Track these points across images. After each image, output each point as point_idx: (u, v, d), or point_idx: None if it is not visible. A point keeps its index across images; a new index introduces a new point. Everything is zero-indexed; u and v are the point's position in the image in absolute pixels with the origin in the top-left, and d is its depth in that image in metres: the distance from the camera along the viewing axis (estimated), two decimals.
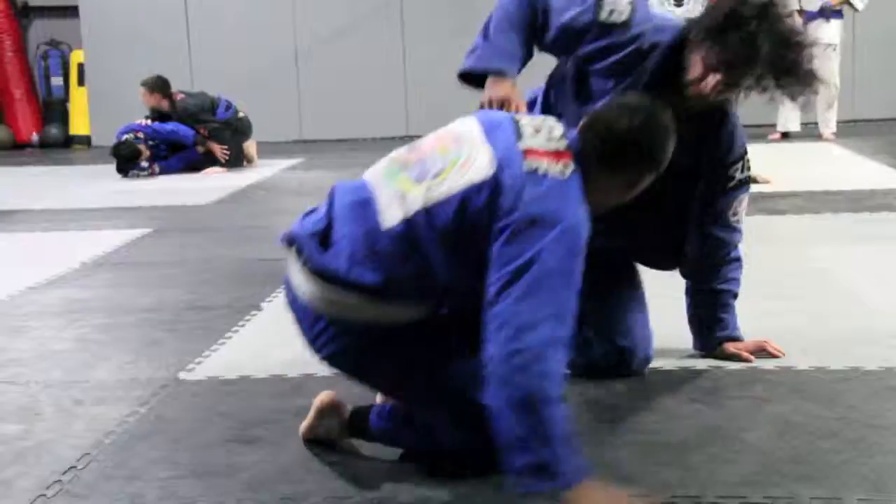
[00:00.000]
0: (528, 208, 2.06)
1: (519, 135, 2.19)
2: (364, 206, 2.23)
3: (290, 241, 2.28)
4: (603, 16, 2.73)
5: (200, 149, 8.27)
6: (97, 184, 7.86)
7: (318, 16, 10.30)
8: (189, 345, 3.43)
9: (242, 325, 3.65)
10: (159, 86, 8.31)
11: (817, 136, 8.79)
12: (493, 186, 2.11)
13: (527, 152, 2.15)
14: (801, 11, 8.60)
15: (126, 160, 8.09)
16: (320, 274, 2.19)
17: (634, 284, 2.97)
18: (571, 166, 2.15)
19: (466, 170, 2.16)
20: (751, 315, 3.37)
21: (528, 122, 2.25)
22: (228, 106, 8.44)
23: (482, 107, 2.79)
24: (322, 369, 3.03)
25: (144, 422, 2.72)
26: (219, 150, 8.30)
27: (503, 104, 2.76)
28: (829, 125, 8.83)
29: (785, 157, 7.83)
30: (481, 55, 2.87)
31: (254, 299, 3.99)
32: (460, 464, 2.28)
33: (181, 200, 6.78)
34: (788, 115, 8.89)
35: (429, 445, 2.33)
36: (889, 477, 2.18)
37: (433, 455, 2.33)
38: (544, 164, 2.13)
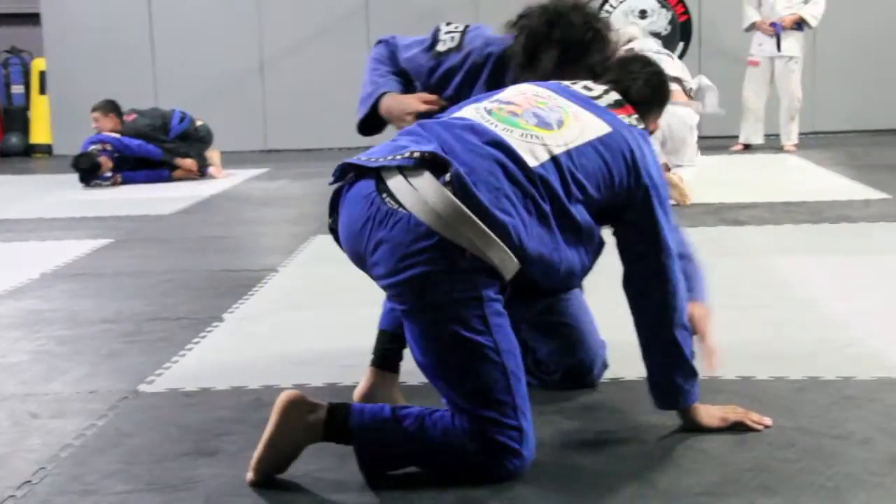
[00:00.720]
0: (647, 177, 2.37)
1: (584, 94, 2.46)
2: (492, 144, 2.25)
3: (426, 157, 2.20)
4: (440, 48, 2.89)
5: (169, 169, 8.21)
6: (58, 193, 7.80)
7: (284, 25, 10.28)
8: (149, 356, 3.40)
9: (204, 337, 3.62)
10: (113, 107, 8.26)
11: (779, 148, 8.88)
12: (618, 141, 2.35)
13: (609, 108, 2.43)
14: (772, 25, 8.70)
15: (86, 173, 8.02)
16: (463, 196, 2.14)
17: (574, 293, 2.87)
18: (636, 115, 2.46)
19: (582, 123, 2.35)
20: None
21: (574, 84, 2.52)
22: (182, 117, 8.37)
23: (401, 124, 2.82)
24: (285, 380, 3.03)
25: (102, 435, 2.69)
26: (190, 163, 8.25)
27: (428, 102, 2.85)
28: (790, 137, 8.93)
29: (747, 168, 7.91)
30: (369, 95, 2.96)
31: (216, 311, 3.96)
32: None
33: (143, 210, 6.74)
34: (751, 128, 8.98)
35: (424, 454, 2.24)
36: (846, 486, 2.20)
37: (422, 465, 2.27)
38: (627, 118, 2.43)
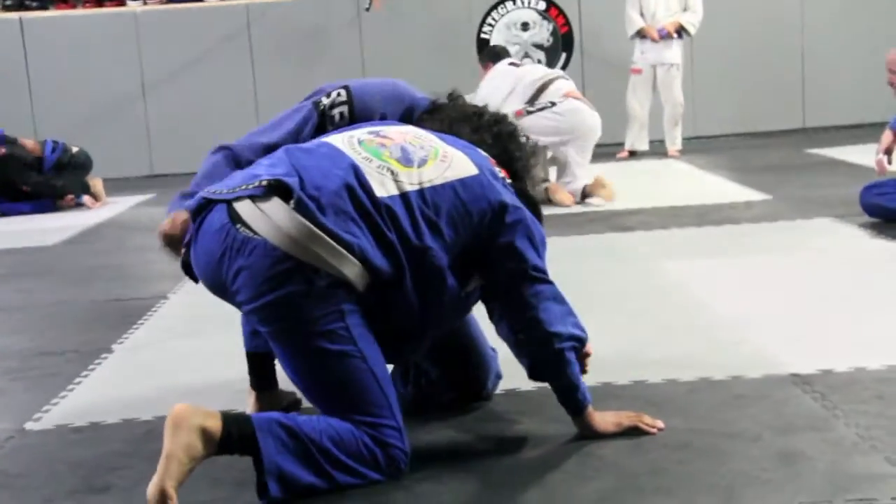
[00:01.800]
0: (515, 212, 2.43)
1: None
2: (345, 168, 2.32)
3: (273, 184, 2.28)
4: (323, 104, 2.78)
5: (63, 203, 7.99)
6: None
7: (165, 48, 10.12)
8: (36, 393, 3.30)
9: (92, 370, 3.53)
10: None
11: (664, 154, 9.06)
12: (481, 184, 2.41)
13: (490, 160, 2.52)
14: (658, 30, 8.88)
15: None
16: (310, 219, 2.23)
17: None
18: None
19: (448, 163, 2.41)
20: (601, 331, 3.42)
21: None
22: (55, 147, 8.15)
23: None
24: None
25: None
26: (70, 199, 8.05)
27: None
28: (675, 142, 9.12)
29: (632, 174, 8.05)
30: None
31: (104, 342, 3.87)
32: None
33: (26, 242, 6.55)
34: (636, 135, 9.15)
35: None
36: (740, 484, 2.24)
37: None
38: (503, 174, 2.52)
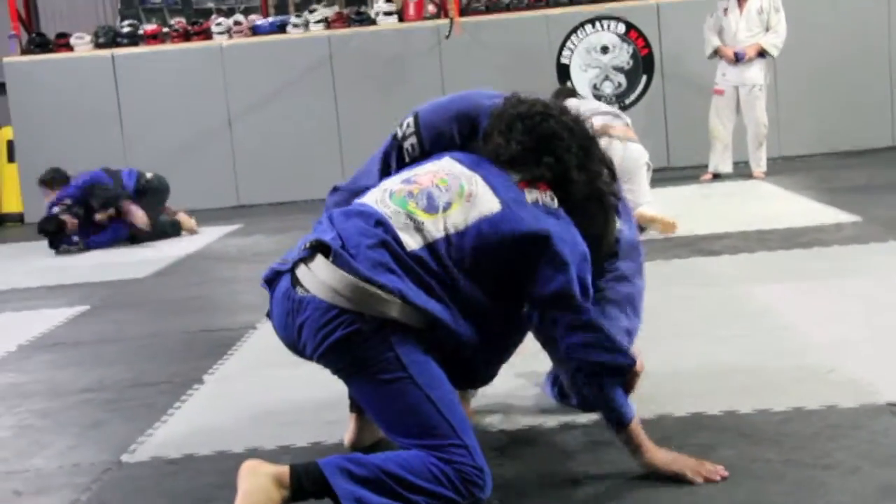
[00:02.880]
0: (539, 240, 2.46)
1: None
2: (377, 225, 2.46)
3: (315, 245, 2.47)
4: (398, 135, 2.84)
5: (101, 216, 8.14)
6: (31, 261, 7.75)
7: (250, 80, 10.30)
8: (131, 425, 3.37)
9: (185, 401, 3.60)
10: (58, 179, 8.25)
11: (748, 175, 8.95)
12: (505, 219, 2.46)
13: (519, 184, 2.54)
14: (735, 53, 8.80)
15: (53, 234, 7.99)
16: (347, 269, 2.39)
17: None
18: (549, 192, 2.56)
19: (472, 203, 2.49)
20: (688, 358, 3.41)
21: None
22: (130, 174, 8.38)
23: None
24: (268, 442, 3.02)
25: None
26: (141, 215, 8.21)
27: None
28: (759, 163, 9.00)
29: (717, 196, 7.96)
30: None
31: (196, 373, 3.94)
32: None
33: (118, 275, 6.70)
34: (720, 157, 9.05)
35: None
36: None
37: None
38: (535, 194, 2.52)
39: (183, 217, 8.60)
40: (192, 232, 8.52)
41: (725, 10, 8.89)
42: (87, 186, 8.12)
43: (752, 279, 4.81)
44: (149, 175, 8.41)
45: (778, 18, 8.76)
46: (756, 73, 8.81)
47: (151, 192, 8.36)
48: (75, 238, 8.02)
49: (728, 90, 8.93)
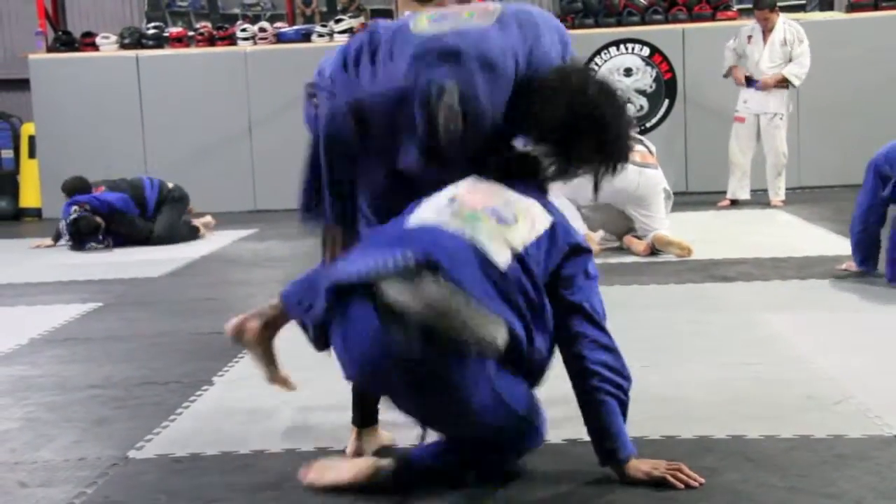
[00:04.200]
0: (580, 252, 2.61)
1: None
2: (468, 249, 2.45)
3: (422, 259, 2.38)
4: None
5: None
6: (47, 257, 7.79)
7: (273, 87, 10.34)
8: (139, 422, 3.38)
9: (193, 401, 3.61)
10: (79, 187, 8.28)
11: (766, 204, 8.93)
12: (559, 233, 2.57)
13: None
14: (748, 80, 8.81)
15: (85, 235, 8.00)
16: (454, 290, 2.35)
17: None
18: None
19: (531, 219, 2.54)
20: (697, 382, 3.40)
21: None
22: (152, 183, 8.41)
23: None
24: (275, 445, 3.02)
25: (91, 503, 2.67)
26: (201, 223, 8.39)
27: None
28: (778, 193, 8.98)
29: (734, 224, 7.94)
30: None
31: (206, 374, 3.95)
32: None
33: (133, 273, 6.73)
34: (738, 184, 9.04)
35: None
36: None
37: None
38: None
39: (207, 223, 8.65)
40: (207, 227, 8.60)
41: (749, 37, 8.89)
42: (110, 211, 8.12)
43: (765, 307, 4.79)
44: (170, 185, 8.46)
45: (802, 50, 8.75)
46: (778, 102, 8.80)
47: (172, 202, 8.39)
48: (101, 237, 8.05)
49: (749, 118, 8.92)
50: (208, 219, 8.66)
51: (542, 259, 2.52)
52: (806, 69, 8.78)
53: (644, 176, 6.36)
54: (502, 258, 2.46)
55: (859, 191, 5.51)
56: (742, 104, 8.93)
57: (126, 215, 8.15)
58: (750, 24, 8.99)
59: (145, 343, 4.63)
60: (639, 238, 6.49)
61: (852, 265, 5.47)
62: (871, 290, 5.08)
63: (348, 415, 2.96)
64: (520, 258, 2.48)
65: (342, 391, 2.95)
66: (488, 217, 2.51)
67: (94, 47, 10.78)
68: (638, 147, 6.42)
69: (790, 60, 8.76)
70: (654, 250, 6.41)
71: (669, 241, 6.35)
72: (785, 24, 8.81)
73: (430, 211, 2.55)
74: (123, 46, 10.77)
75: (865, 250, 5.39)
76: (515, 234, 2.50)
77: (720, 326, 4.42)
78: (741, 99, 8.94)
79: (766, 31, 8.80)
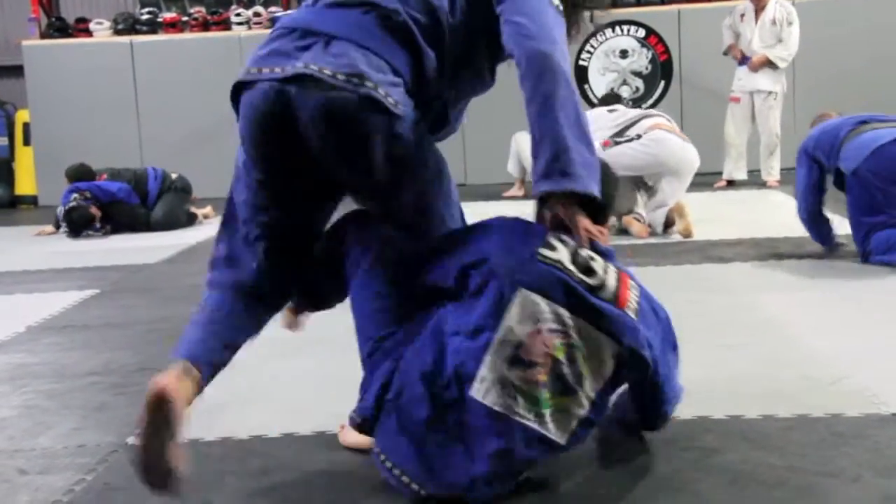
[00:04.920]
0: None
1: None
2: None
3: None
4: None
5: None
6: (43, 244, 7.78)
7: None
8: (137, 408, 3.32)
9: None
10: (81, 173, 8.27)
11: (762, 184, 8.93)
12: None
13: None
14: (744, 57, 8.81)
15: (80, 226, 8.00)
16: None
17: None
18: None
19: None
20: (696, 363, 3.39)
21: None
22: (156, 174, 8.41)
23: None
24: (273, 430, 3.02)
25: (91, 490, 2.67)
26: (201, 213, 8.43)
27: None
28: (771, 173, 8.99)
29: (730, 204, 7.95)
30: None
31: None
32: None
33: (129, 260, 6.73)
34: (734, 164, 9.04)
35: None
36: None
37: None
38: None
39: (208, 213, 8.67)
40: (206, 217, 8.62)
41: (742, 15, 8.88)
42: (110, 200, 8.11)
43: (762, 287, 4.80)
44: (174, 176, 8.46)
45: (790, 32, 8.72)
46: (770, 80, 8.78)
47: (175, 191, 8.40)
48: (98, 225, 8.05)
49: (744, 98, 8.91)
50: (208, 209, 8.66)
51: None
52: (792, 52, 8.75)
53: (687, 151, 6.44)
54: None
55: (796, 178, 5.57)
56: (737, 81, 8.93)
57: (126, 205, 8.15)
58: (743, 3, 8.98)
59: (143, 329, 4.63)
60: (639, 219, 6.50)
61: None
62: (867, 269, 5.08)
63: (345, 402, 2.95)
64: None
65: (339, 377, 2.95)
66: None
67: (88, 33, 10.76)
68: (674, 124, 6.63)
69: (780, 41, 8.75)
70: (665, 228, 6.43)
71: (685, 213, 6.37)
72: (777, 3, 8.80)
73: None
74: (117, 32, 10.75)
75: (816, 230, 5.49)
76: None
77: (718, 307, 4.42)
78: (736, 77, 8.93)
79: (758, 9, 8.78)
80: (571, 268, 2.35)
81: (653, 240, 6.25)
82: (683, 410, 2.99)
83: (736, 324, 4.11)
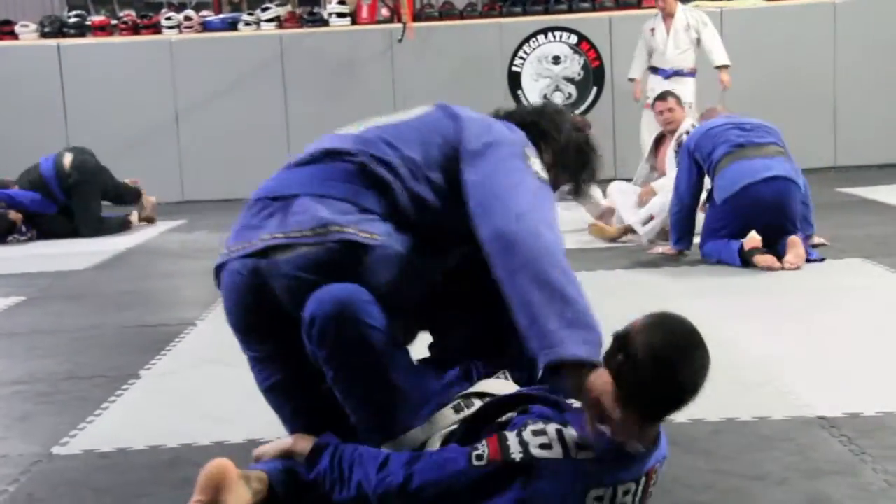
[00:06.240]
0: None
1: None
2: None
3: None
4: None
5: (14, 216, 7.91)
6: None
7: (198, 75, 10.22)
8: (64, 417, 3.32)
9: (120, 395, 3.56)
10: None
11: None
12: None
13: None
14: (654, 69, 8.91)
15: (3, 233, 7.81)
16: None
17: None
18: None
19: None
20: None
21: None
22: (49, 170, 8.01)
23: None
24: (203, 438, 2.99)
25: (14, 501, 2.62)
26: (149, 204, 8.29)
27: None
28: None
29: None
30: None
31: (132, 368, 3.90)
32: None
33: (57, 266, 6.61)
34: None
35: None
36: None
37: None
38: None
39: (147, 201, 8.52)
40: (150, 221, 8.50)
41: (652, 29, 8.96)
42: (26, 212, 7.92)
43: (691, 294, 4.86)
44: (67, 162, 7.98)
45: (708, 32, 8.81)
46: (686, 89, 8.83)
47: (79, 188, 7.97)
48: (24, 228, 7.88)
49: None
50: (134, 216, 8.47)
51: None
52: (721, 46, 8.84)
53: None
54: None
55: (676, 172, 5.79)
56: (650, 92, 9.00)
57: (43, 216, 7.96)
58: (651, 19, 9.07)
59: (71, 337, 4.55)
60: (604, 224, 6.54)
61: (669, 248, 5.79)
62: (794, 275, 5.16)
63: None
64: None
65: None
66: None
67: (14, 36, 10.55)
68: None
69: (698, 44, 8.82)
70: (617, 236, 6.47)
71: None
72: (685, 10, 8.90)
73: None
74: (44, 35, 10.55)
75: (682, 229, 5.71)
76: None
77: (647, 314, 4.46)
78: (649, 87, 9.02)
79: (667, 18, 8.85)
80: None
81: (587, 245, 6.30)
82: None
83: None
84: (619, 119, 10.07)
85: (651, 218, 6.31)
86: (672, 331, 2.15)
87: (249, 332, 2.51)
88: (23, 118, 10.07)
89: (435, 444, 2.32)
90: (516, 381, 2.49)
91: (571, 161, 2.76)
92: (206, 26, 10.57)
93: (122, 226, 8.31)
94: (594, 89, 10.12)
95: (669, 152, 6.57)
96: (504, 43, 10.08)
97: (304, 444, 2.38)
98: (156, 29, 10.56)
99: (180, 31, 10.50)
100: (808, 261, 5.32)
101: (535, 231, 2.28)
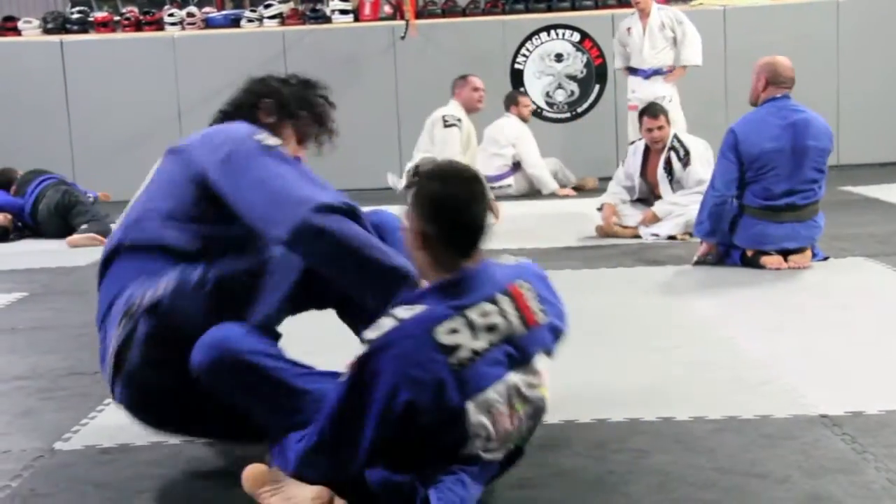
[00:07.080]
0: None
1: None
2: None
3: None
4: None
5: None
6: None
7: (202, 73, 10.21)
8: (66, 413, 3.32)
9: None
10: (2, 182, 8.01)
11: None
12: None
13: None
14: (633, 70, 8.89)
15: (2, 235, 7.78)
16: None
17: None
18: None
19: None
20: (627, 366, 3.44)
21: None
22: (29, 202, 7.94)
23: None
24: (141, 439, 2.97)
25: (16, 497, 2.62)
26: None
27: None
28: None
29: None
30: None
31: None
32: None
33: (58, 262, 6.61)
34: None
35: None
36: None
37: None
38: None
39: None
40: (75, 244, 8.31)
41: (629, 29, 8.93)
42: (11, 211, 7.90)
43: (694, 291, 4.86)
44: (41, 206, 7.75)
45: (684, 30, 8.77)
46: (661, 87, 8.81)
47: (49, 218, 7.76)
48: (19, 224, 7.86)
49: (640, 105, 8.97)
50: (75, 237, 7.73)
51: None
52: (698, 47, 8.79)
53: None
54: None
55: (713, 170, 5.58)
56: (631, 93, 9.00)
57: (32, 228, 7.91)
58: (627, 18, 9.05)
59: (72, 333, 4.55)
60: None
61: (703, 248, 5.43)
62: (797, 273, 5.15)
63: None
64: None
65: None
66: None
67: (17, 32, 10.55)
68: None
69: (674, 43, 8.79)
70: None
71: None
72: (660, 9, 8.88)
73: None
74: (47, 31, 10.55)
75: (715, 220, 5.34)
76: None
77: (650, 311, 4.47)
78: (630, 89, 9.01)
79: (643, 17, 8.83)
80: (477, 345, 2.30)
81: (588, 243, 6.29)
82: (615, 413, 3.02)
83: (667, 327, 4.15)
84: (622, 117, 10.06)
85: (656, 236, 6.31)
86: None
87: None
88: (26, 114, 10.08)
89: None
90: None
91: (296, 108, 3.01)
92: (208, 23, 10.57)
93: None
94: (596, 87, 10.12)
95: (660, 171, 6.47)
96: (507, 40, 10.08)
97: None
98: (158, 25, 10.56)
99: (183, 28, 10.49)
100: (813, 259, 5.30)
101: (305, 218, 2.43)
